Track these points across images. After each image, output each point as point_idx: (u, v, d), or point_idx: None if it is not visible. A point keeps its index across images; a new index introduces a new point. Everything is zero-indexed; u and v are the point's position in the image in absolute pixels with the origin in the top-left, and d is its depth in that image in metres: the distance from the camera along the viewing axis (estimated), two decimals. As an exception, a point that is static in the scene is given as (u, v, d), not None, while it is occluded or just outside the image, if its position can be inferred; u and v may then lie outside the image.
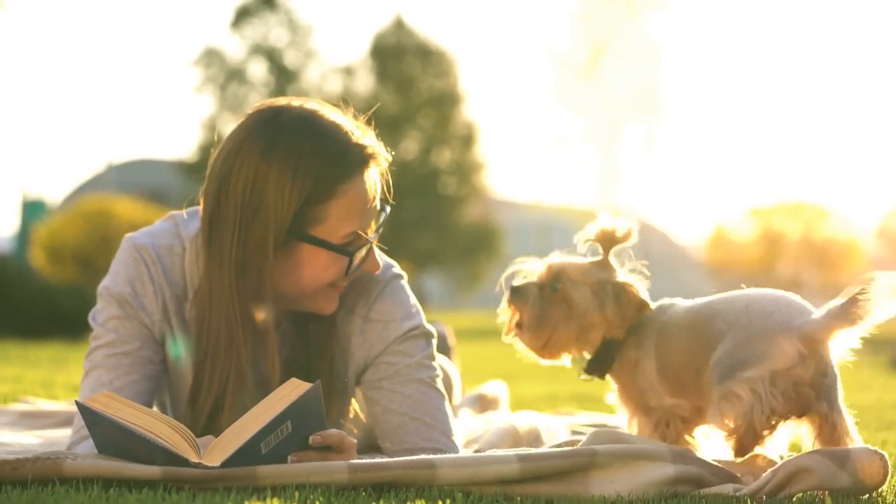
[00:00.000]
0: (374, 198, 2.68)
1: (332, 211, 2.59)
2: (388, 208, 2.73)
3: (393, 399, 2.73)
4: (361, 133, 2.66)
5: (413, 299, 2.81)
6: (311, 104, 2.67)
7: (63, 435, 3.14)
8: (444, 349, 4.07)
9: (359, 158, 2.63)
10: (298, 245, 2.60)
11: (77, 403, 2.38)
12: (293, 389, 2.36)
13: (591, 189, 34.81)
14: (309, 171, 2.56)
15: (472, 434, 3.27)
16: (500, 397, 4.01)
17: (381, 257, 2.79)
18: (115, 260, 2.75)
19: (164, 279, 2.70)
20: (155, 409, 2.76)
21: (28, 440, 3.02)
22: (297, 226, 2.59)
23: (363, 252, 2.66)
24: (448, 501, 2.26)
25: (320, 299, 2.68)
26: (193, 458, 2.28)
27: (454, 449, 2.73)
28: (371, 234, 2.68)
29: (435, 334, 2.83)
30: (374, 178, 2.68)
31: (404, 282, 2.82)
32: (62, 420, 3.51)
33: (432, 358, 2.79)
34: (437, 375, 2.79)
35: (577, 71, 34.28)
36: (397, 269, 2.82)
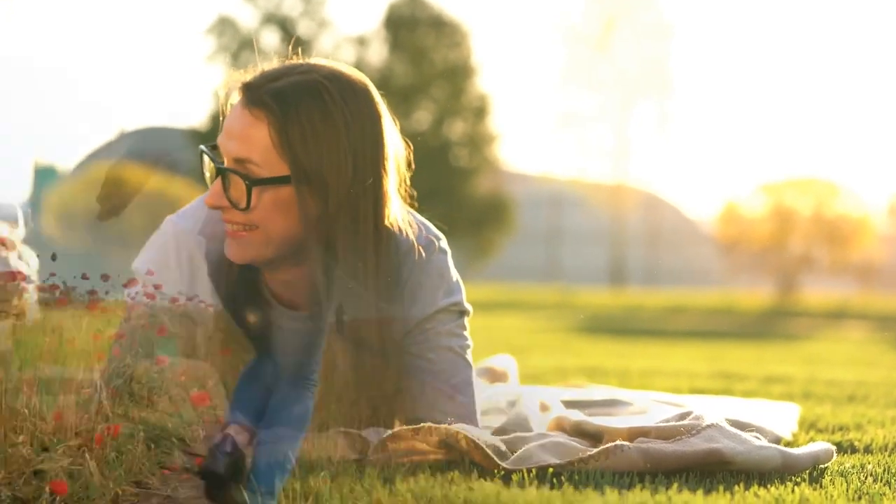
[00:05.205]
0: (238, 132, 2.56)
1: None
2: (248, 181, 2.54)
3: (419, 365, 2.71)
4: (265, 72, 2.60)
5: (455, 276, 2.78)
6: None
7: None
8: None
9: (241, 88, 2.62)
10: None
11: None
12: None
13: (602, 164, 34.70)
14: None
15: (483, 404, 3.26)
16: (509, 371, 3.99)
17: (430, 229, 2.79)
18: (153, 241, 2.77)
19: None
20: None
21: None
22: None
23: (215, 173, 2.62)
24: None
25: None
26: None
27: (473, 422, 2.70)
28: (228, 165, 2.58)
29: (471, 311, 2.81)
30: (250, 115, 2.56)
31: (448, 256, 2.79)
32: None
33: (464, 328, 2.78)
34: (468, 346, 2.77)
35: (590, 45, 34.14)
36: (444, 243, 2.80)
